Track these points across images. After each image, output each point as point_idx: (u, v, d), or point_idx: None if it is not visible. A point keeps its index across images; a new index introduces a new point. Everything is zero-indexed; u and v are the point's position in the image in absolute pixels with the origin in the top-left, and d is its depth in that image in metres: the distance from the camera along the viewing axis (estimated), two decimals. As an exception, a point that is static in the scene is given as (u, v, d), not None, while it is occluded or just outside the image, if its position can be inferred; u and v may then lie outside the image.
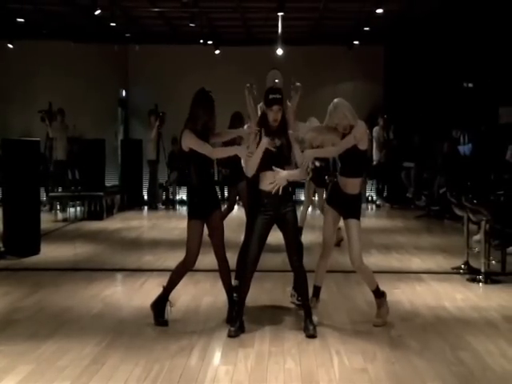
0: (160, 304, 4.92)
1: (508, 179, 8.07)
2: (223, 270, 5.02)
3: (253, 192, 4.91)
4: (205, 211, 4.88)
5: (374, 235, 9.33)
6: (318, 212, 12.02)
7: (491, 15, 11.04)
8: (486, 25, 11.30)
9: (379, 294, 4.99)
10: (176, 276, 4.96)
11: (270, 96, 4.72)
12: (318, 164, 7.78)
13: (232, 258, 5.58)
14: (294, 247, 4.80)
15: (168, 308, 4.94)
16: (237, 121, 8.29)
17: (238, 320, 4.73)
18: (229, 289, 5.03)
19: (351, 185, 4.90)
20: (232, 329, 4.66)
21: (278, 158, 4.70)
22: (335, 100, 4.91)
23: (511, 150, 8.49)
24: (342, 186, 4.91)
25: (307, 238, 7.69)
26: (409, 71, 13.64)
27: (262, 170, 4.75)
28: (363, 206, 12.20)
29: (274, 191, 4.65)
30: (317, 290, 5.08)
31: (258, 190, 4.78)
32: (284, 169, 4.71)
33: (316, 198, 9.22)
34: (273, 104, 4.70)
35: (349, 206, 4.90)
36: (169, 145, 13.68)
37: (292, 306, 5.44)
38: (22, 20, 12.05)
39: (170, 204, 13.71)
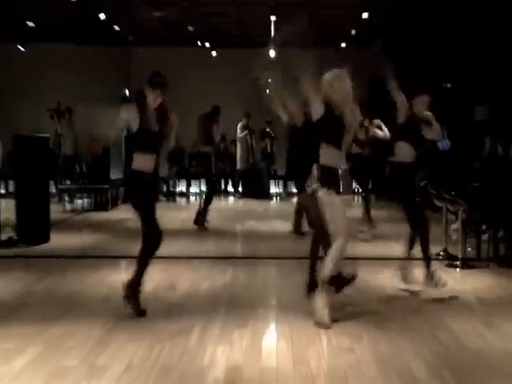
0: None
1: (483, 171, 8.08)
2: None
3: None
4: None
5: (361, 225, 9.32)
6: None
7: (468, 19, 11.02)
8: (463, 29, 11.29)
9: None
10: None
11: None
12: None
13: (228, 246, 5.58)
14: None
15: None
16: (213, 113, 8.35)
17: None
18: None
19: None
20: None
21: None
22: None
23: (489, 144, 8.50)
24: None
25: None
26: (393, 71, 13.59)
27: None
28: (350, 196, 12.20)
29: None
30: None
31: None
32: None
33: None
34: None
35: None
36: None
37: (286, 290, 5.43)
38: (33, 24, 11.98)
39: (171, 196, 13.81)
